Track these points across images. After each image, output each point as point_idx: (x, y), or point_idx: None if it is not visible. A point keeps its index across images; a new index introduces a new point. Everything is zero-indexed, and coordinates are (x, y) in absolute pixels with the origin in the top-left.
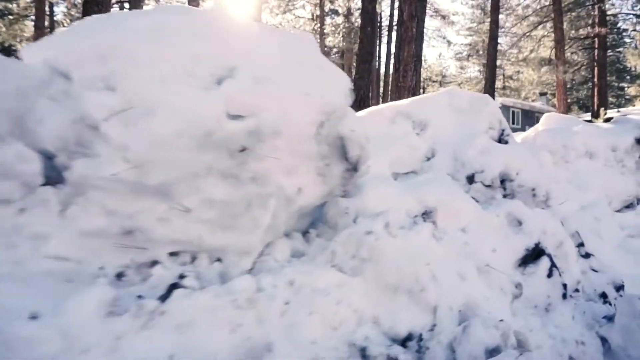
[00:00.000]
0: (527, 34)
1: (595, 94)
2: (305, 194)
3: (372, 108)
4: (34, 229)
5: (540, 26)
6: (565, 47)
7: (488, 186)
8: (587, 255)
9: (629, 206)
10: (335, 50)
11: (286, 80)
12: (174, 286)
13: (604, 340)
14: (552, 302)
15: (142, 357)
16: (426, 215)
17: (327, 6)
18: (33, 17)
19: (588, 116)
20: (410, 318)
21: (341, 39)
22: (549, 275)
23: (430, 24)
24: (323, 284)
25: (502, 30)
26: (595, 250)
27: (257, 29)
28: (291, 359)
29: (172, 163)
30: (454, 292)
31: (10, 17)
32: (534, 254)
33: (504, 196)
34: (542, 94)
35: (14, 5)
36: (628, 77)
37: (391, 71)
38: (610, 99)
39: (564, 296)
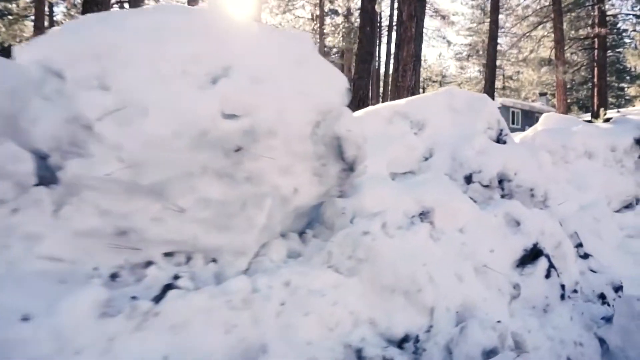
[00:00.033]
0: (527, 34)
1: (595, 94)
2: (301, 194)
3: (370, 108)
4: (27, 229)
5: (540, 26)
6: (565, 48)
7: (486, 186)
8: (585, 256)
9: (628, 206)
10: (335, 50)
11: (282, 79)
12: (168, 287)
13: (602, 341)
14: (550, 303)
15: (135, 358)
16: (424, 215)
17: (327, 6)
18: (33, 18)
19: (588, 116)
20: (407, 319)
21: (341, 39)
22: (547, 275)
23: (430, 24)
24: (319, 285)
25: (502, 30)
26: (594, 250)
27: (253, 29)
28: None
29: (167, 163)
30: (452, 293)
31: (10, 17)
32: (532, 255)
33: (502, 196)
34: (542, 94)
35: (14, 5)
36: (628, 78)
37: (391, 71)
38: (610, 100)
39: (562, 297)
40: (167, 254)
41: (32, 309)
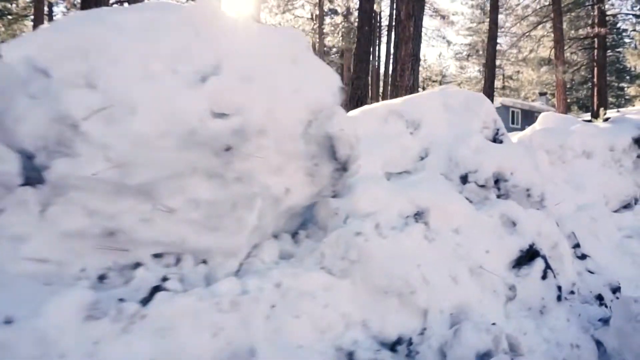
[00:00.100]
0: (527, 34)
1: (595, 94)
2: (293, 194)
3: (366, 107)
4: (12, 230)
5: (540, 26)
6: (565, 47)
7: (482, 186)
8: (583, 257)
9: (627, 206)
10: (335, 50)
11: (274, 78)
12: (156, 289)
13: (599, 343)
14: (546, 305)
15: None
16: (418, 216)
17: (327, 6)
18: (32, 17)
19: (588, 116)
20: (400, 321)
21: (340, 38)
22: (544, 277)
23: (430, 23)
24: (311, 287)
25: (502, 30)
26: (592, 251)
27: (245, 27)
28: None
29: (155, 162)
30: (446, 294)
31: (10, 17)
32: (528, 256)
33: (498, 196)
34: (542, 94)
35: (13, 5)
36: (628, 77)
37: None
38: (610, 99)
39: (559, 298)
40: (157, 255)
41: (15, 312)
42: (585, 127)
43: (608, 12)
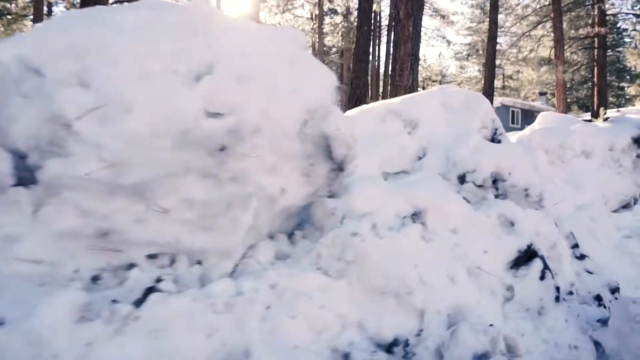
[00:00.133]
0: (527, 33)
1: (595, 93)
2: (289, 194)
3: (364, 106)
4: (5, 231)
5: (540, 26)
6: (565, 47)
7: (480, 186)
8: (582, 257)
9: (626, 206)
10: (334, 50)
11: (269, 77)
12: (150, 290)
13: (597, 344)
14: (544, 305)
15: None
16: (416, 216)
17: (326, 5)
18: (32, 17)
19: (588, 116)
20: (397, 322)
21: (340, 38)
22: (542, 277)
23: (430, 23)
24: (307, 287)
25: (502, 29)
26: (591, 251)
27: (241, 26)
28: None
29: (149, 162)
30: (443, 295)
31: (9, 17)
32: (527, 256)
33: (496, 196)
34: (542, 94)
35: (13, 5)
36: (628, 77)
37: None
38: (610, 99)
39: (557, 299)
40: (151, 256)
41: (6, 313)
42: (584, 127)
43: (608, 12)
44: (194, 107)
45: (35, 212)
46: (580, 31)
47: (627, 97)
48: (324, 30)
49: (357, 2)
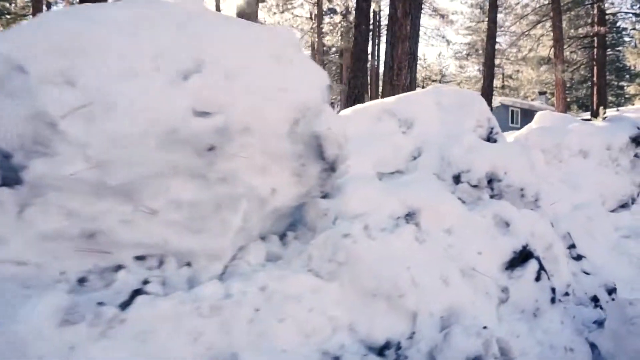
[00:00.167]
0: (526, 32)
1: (595, 93)
2: (280, 194)
3: (359, 106)
4: None
5: (539, 25)
6: (565, 46)
7: (475, 186)
8: (578, 257)
9: (624, 206)
10: (334, 49)
11: (259, 75)
12: (137, 292)
13: (593, 346)
14: (540, 307)
15: None
16: (409, 216)
17: (326, 5)
18: (31, 17)
19: (587, 115)
20: (389, 325)
21: (339, 38)
22: (537, 278)
23: (430, 23)
24: (297, 290)
25: (501, 29)
26: (588, 251)
27: (230, 23)
28: None
29: (136, 162)
30: (436, 297)
31: (8, 16)
32: (522, 257)
33: (492, 196)
34: (542, 93)
35: (12, 5)
36: (627, 76)
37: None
38: (610, 98)
39: (553, 300)
40: (139, 258)
41: None
42: (582, 126)
43: (608, 11)
44: (181, 105)
45: (20, 213)
46: (580, 30)
47: (627, 96)
48: (323, 30)
49: (355, 1)
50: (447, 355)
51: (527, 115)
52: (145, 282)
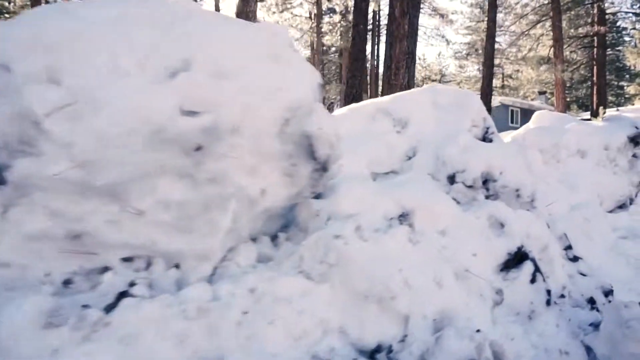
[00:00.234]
0: (526, 32)
1: (595, 92)
2: (270, 195)
3: (354, 105)
4: None
5: (539, 25)
6: (565, 46)
7: (470, 186)
8: (575, 259)
9: (622, 206)
10: (333, 49)
11: (249, 74)
12: (122, 295)
13: (588, 349)
14: (535, 309)
15: None
16: (403, 217)
17: (325, 4)
18: None
19: (587, 115)
20: (380, 328)
21: (339, 37)
22: (533, 280)
23: (429, 22)
24: (287, 292)
25: (501, 28)
26: (585, 252)
27: (220, 21)
28: None
29: (122, 162)
30: (429, 299)
31: (7, 15)
32: (517, 258)
33: (487, 197)
34: (541, 93)
35: (11, 4)
36: (627, 76)
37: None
38: (610, 98)
39: (548, 303)
40: (126, 259)
41: None
42: (580, 126)
43: (607, 11)
44: (168, 104)
45: (4, 214)
46: (580, 30)
47: (627, 96)
48: (322, 30)
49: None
50: (439, 358)
51: (527, 115)
52: (132, 284)
